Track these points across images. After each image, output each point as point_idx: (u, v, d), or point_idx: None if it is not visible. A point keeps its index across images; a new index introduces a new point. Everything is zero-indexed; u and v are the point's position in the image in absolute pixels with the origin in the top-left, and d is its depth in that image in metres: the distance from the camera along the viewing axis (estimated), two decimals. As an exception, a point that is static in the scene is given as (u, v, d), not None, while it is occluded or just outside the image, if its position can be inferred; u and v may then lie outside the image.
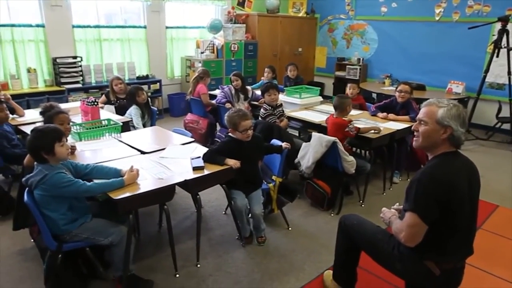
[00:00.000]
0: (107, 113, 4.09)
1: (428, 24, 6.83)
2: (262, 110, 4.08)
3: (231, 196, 2.88)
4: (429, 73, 6.91)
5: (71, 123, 3.07)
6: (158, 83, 6.76)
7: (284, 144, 3.06)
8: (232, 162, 2.70)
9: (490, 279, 2.68)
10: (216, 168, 2.68)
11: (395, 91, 4.37)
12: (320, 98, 5.08)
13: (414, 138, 1.91)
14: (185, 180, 2.47)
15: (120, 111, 4.38)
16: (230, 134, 2.89)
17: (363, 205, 3.68)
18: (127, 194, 2.24)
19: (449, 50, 6.65)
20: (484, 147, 5.66)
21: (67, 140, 2.31)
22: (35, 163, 2.21)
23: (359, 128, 3.57)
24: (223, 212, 3.48)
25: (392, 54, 7.44)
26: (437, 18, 6.73)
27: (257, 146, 2.96)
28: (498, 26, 5.43)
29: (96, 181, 2.33)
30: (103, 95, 4.78)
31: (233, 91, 4.97)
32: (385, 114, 4.24)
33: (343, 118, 3.58)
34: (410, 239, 1.79)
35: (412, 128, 1.92)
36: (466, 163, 1.87)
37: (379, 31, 7.60)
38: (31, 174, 2.19)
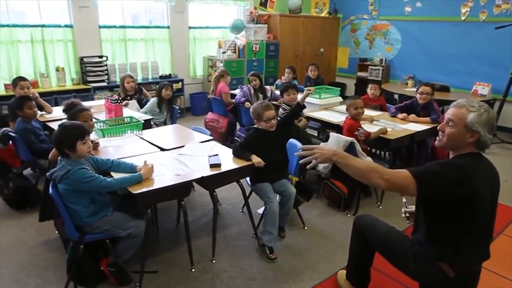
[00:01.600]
0: (129, 111, 4.21)
1: (454, 24, 6.69)
2: (280, 109, 4.11)
3: (263, 196, 2.90)
4: (453, 74, 6.76)
5: (94, 120, 3.18)
6: (180, 82, 6.88)
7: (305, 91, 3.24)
8: (257, 160, 2.77)
9: (510, 285, 2.62)
10: (233, 166, 2.73)
11: (416, 92, 4.32)
12: (340, 99, 5.07)
13: (438, 137, 1.87)
14: (202, 177, 2.53)
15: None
16: (255, 125, 3.01)
17: (380, 207, 3.65)
18: (146, 189, 2.32)
19: (475, 51, 6.49)
20: (509, 150, 5.49)
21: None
22: (59, 157, 2.32)
23: (369, 134, 3.52)
24: (240, 210, 3.53)
25: (416, 55, 7.32)
26: (463, 18, 6.57)
27: (278, 130, 3.02)
28: (527, 26, 5.28)
29: (115, 176, 2.43)
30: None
31: (252, 91, 5.02)
32: (405, 115, 4.19)
33: (354, 120, 3.57)
34: (389, 187, 1.70)
35: (438, 127, 1.87)
36: (489, 164, 1.85)
37: (402, 31, 7.49)
38: (55, 169, 2.30)
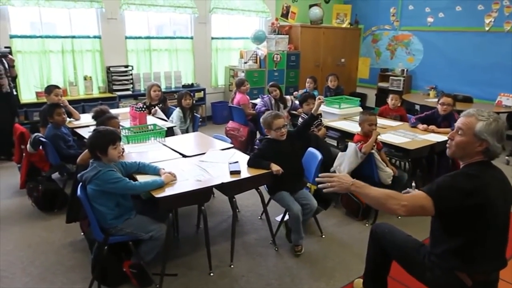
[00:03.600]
0: (153, 118, 4.34)
1: (477, 34, 6.61)
2: (300, 119, 4.16)
3: (284, 205, 2.96)
4: (477, 85, 6.67)
5: (120, 127, 3.32)
6: (202, 92, 7.03)
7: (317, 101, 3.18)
8: (276, 168, 2.82)
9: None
10: (252, 173, 2.79)
11: (437, 103, 4.30)
12: (360, 109, 5.06)
13: (447, 146, 1.90)
14: (222, 183, 2.61)
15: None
16: (266, 136, 3.06)
17: (399, 217, 3.63)
18: (168, 193, 2.41)
19: (499, 61, 6.39)
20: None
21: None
22: (90, 160, 2.46)
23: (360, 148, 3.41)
24: (259, 217, 3.58)
25: (438, 65, 7.26)
26: (487, 28, 6.50)
27: (291, 139, 3.06)
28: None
29: (140, 180, 2.53)
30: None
31: (273, 101, 5.09)
32: (425, 126, 4.17)
33: (359, 134, 3.58)
34: (408, 213, 1.73)
35: (448, 135, 1.90)
36: (500, 173, 1.86)
37: (424, 42, 7.45)
38: (86, 170, 2.43)
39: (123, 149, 3.11)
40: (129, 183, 2.42)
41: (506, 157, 5.21)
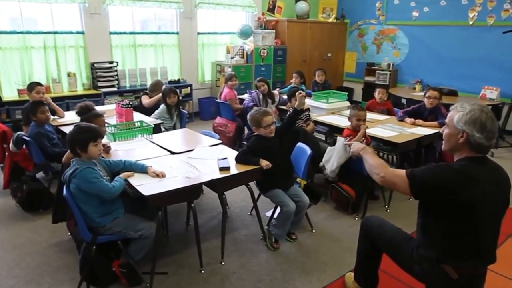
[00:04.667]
0: (139, 115, 4.28)
1: (461, 29, 6.69)
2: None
3: (278, 201, 2.94)
4: (461, 79, 6.76)
5: (106, 124, 3.25)
6: (189, 88, 6.96)
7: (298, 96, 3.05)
8: (265, 163, 2.80)
9: (518, 288, 2.62)
10: (241, 169, 2.77)
11: (423, 96, 4.34)
12: (347, 103, 5.10)
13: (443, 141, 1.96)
14: (212, 180, 2.58)
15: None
16: (254, 133, 3.00)
17: (388, 210, 3.67)
18: (157, 191, 2.37)
19: (483, 55, 6.48)
20: (519, 155, 5.47)
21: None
22: (71, 159, 2.39)
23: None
24: (249, 213, 3.57)
25: (424, 59, 7.33)
26: (470, 23, 6.58)
27: (279, 136, 3.03)
28: (535, 30, 5.27)
29: (117, 182, 2.48)
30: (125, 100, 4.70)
31: (260, 96, 5.07)
32: (412, 119, 4.21)
33: (348, 128, 3.59)
34: (385, 183, 1.92)
35: (440, 131, 2.00)
36: (493, 169, 1.85)
37: (410, 36, 7.51)
38: (67, 170, 2.37)
39: (109, 147, 3.06)
40: (106, 186, 2.34)
41: (491, 149, 5.30)
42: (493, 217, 1.83)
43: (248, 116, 3.01)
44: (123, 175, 2.51)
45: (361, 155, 2.13)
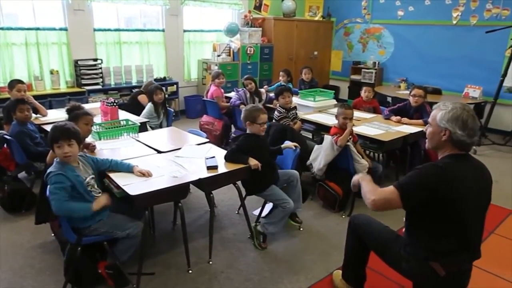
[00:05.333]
0: (125, 113, 4.21)
1: (445, 28, 6.79)
2: (276, 112, 4.15)
3: (280, 199, 2.93)
4: (445, 77, 6.86)
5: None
6: (175, 85, 6.89)
7: (287, 145, 3.12)
8: (254, 163, 2.78)
9: (502, 284, 2.67)
10: (229, 168, 2.75)
11: (409, 95, 4.38)
12: (334, 101, 5.12)
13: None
14: (199, 179, 2.55)
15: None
16: (247, 131, 2.99)
17: (375, 208, 3.69)
18: (144, 191, 2.33)
19: (466, 54, 6.60)
20: (500, 152, 5.58)
21: (79, 141, 2.38)
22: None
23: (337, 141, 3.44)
24: (236, 212, 3.55)
25: (408, 58, 7.41)
26: (454, 22, 6.68)
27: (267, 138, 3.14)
28: (517, 30, 5.37)
29: (111, 175, 2.45)
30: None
31: (248, 94, 5.05)
32: (398, 117, 4.25)
33: (335, 126, 3.60)
34: (377, 206, 1.87)
35: (424, 129, 2.01)
36: (476, 166, 1.89)
37: (395, 35, 7.59)
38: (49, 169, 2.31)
39: (94, 146, 3.00)
40: (58, 202, 2.17)
41: (474, 147, 5.39)
42: (478, 212, 1.88)
43: (243, 111, 2.98)
44: (95, 205, 2.31)
45: (359, 183, 2.08)
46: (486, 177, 1.91)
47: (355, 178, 2.14)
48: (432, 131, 1.90)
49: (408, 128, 3.97)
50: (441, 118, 1.83)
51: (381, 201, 1.85)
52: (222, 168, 2.74)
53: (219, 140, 5.04)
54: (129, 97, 5.48)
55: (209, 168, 2.70)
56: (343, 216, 3.52)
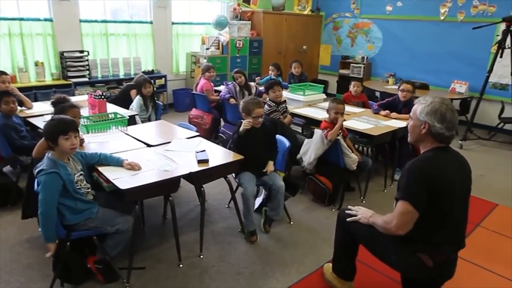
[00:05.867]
0: (113, 106, 4.15)
1: (433, 24, 6.86)
2: (266, 106, 4.13)
3: (241, 183, 2.99)
4: (433, 73, 6.94)
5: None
6: (163, 78, 6.81)
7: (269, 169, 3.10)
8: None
9: (488, 275, 2.73)
10: (220, 162, 2.74)
11: (397, 90, 4.42)
12: (324, 96, 5.13)
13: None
14: (190, 173, 2.53)
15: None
16: (242, 120, 3.07)
17: (364, 201, 3.73)
18: (134, 185, 2.31)
19: (453, 50, 6.67)
20: (486, 147, 5.69)
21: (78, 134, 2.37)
22: (45, 152, 2.29)
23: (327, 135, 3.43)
24: (227, 206, 3.54)
25: (397, 53, 7.47)
26: (442, 18, 6.75)
27: (267, 135, 3.15)
28: (503, 26, 5.43)
29: (101, 169, 2.44)
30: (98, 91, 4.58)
31: (237, 88, 5.03)
32: (387, 112, 4.28)
33: (326, 120, 3.61)
34: (401, 227, 1.88)
35: (406, 123, 2.07)
36: (456, 158, 1.98)
37: (384, 30, 7.63)
38: (38, 164, 2.26)
39: (82, 139, 2.95)
40: (46, 204, 2.14)
41: (460, 142, 5.50)
42: (463, 201, 1.95)
43: (242, 102, 3.09)
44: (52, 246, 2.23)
45: (371, 222, 2.08)
46: (466, 169, 2.00)
47: (363, 216, 2.13)
48: (412, 125, 1.97)
49: (397, 123, 4.00)
50: (421, 112, 1.90)
51: (402, 221, 1.87)
52: (213, 162, 2.72)
53: (208, 133, 5.01)
54: (120, 90, 5.34)
55: (200, 161, 2.68)
56: (333, 210, 3.54)
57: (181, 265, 2.67)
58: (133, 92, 4.74)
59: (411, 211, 1.83)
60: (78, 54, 5.77)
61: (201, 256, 2.79)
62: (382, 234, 2.10)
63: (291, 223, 3.30)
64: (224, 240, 3.02)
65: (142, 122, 4.21)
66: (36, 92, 5.29)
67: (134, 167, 2.50)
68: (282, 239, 3.07)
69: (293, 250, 2.93)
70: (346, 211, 2.25)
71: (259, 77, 6.01)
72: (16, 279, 2.49)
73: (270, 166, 3.08)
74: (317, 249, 2.94)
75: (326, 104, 4.73)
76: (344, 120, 3.59)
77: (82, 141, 2.93)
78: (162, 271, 2.62)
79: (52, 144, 2.24)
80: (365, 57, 7.87)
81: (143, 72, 6.51)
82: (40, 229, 2.23)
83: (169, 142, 3.08)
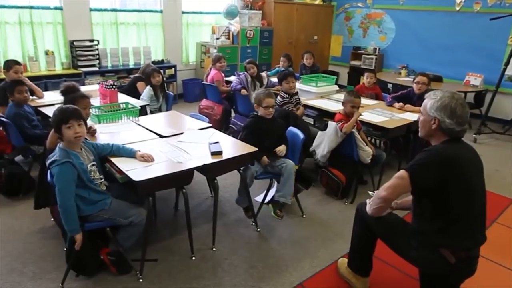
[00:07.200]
0: (125, 96, 4.12)
1: (448, 14, 6.70)
2: (278, 97, 4.07)
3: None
4: (446, 65, 6.80)
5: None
6: (173, 68, 6.77)
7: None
8: (264, 162, 3.03)
9: (504, 272, 2.67)
10: (234, 154, 2.70)
11: (412, 82, 4.33)
12: (336, 87, 5.05)
13: None
14: (204, 165, 2.49)
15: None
16: (254, 112, 3.19)
17: (377, 195, 3.67)
18: (148, 177, 2.27)
19: (468, 41, 6.52)
20: (499, 140, 5.58)
21: (85, 123, 2.33)
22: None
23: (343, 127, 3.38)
24: (238, 198, 3.51)
25: (409, 44, 7.33)
26: (457, 8, 6.59)
27: (276, 128, 3.19)
28: (521, 17, 5.30)
29: (114, 160, 2.41)
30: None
31: (249, 79, 4.96)
32: (401, 104, 4.20)
33: (340, 113, 3.55)
34: (388, 188, 1.90)
35: (417, 118, 2.06)
36: (470, 149, 1.95)
37: (396, 21, 7.48)
38: (51, 154, 2.24)
39: (95, 130, 2.92)
40: (65, 197, 2.13)
41: (474, 135, 5.40)
42: (481, 194, 1.92)
43: (254, 94, 3.23)
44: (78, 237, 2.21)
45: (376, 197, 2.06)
46: (480, 160, 1.97)
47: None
48: (423, 120, 1.96)
49: (412, 116, 3.92)
50: (430, 107, 1.88)
51: (391, 183, 1.88)
52: (226, 153, 2.68)
53: (219, 124, 4.96)
54: (128, 82, 5.30)
55: (214, 153, 2.63)
56: (346, 204, 3.49)
57: (193, 258, 2.65)
58: (139, 84, 4.68)
59: (405, 177, 1.83)
60: (88, 43, 5.74)
61: (214, 249, 2.76)
62: (402, 228, 2.07)
63: (304, 216, 3.27)
64: (236, 232, 3.00)
65: (152, 112, 4.18)
66: (46, 82, 5.27)
67: (147, 159, 2.46)
68: (295, 233, 3.03)
69: (306, 244, 2.89)
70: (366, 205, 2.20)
71: (266, 71, 5.92)
72: (29, 270, 2.48)
73: (282, 147, 3.11)
74: (330, 243, 2.90)
75: (338, 96, 4.68)
76: (361, 114, 3.52)
77: (94, 131, 2.90)
78: (174, 263, 2.60)
79: (58, 134, 2.22)
80: (377, 48, 7.73)
81: (152, 62, 6.48)
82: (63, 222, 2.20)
83: (181, 133, 3.04)
